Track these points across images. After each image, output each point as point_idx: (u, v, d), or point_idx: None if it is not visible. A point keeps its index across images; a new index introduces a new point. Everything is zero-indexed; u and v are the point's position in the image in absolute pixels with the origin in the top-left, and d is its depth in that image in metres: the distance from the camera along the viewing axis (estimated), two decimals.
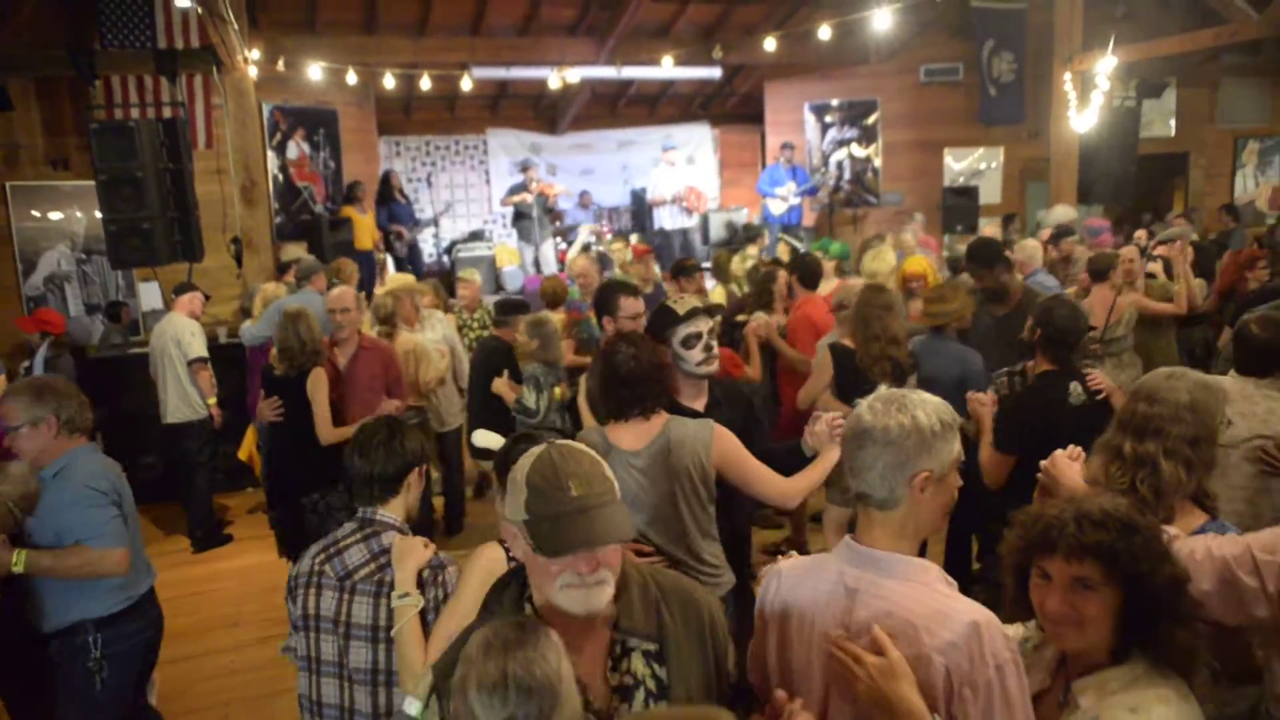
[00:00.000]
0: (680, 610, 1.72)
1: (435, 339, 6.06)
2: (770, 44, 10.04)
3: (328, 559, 2.48)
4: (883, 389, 1.79)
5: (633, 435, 2.84)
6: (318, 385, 4.59)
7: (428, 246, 12.59)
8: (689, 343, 3.12)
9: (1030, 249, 6.49)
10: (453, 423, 6.12)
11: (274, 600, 4.94)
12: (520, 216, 11.62)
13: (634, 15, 10.36)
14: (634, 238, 11.95)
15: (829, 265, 6.57)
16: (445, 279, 11.26)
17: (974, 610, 1.60)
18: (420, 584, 2.36)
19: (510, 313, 5.64)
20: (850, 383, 4.21)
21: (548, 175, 13.25)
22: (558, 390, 5.09)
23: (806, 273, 5.74)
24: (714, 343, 3.16)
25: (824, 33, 9.37)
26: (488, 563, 2.28)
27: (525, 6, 10.74)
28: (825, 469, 2.88)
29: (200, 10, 7.19)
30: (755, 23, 11.69)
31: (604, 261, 8.25)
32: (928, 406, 1.70)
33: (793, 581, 1.83)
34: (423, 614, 2.32)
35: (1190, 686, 1.62)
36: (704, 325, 3.13)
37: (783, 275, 5.90)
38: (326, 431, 4.56)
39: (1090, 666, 1.67)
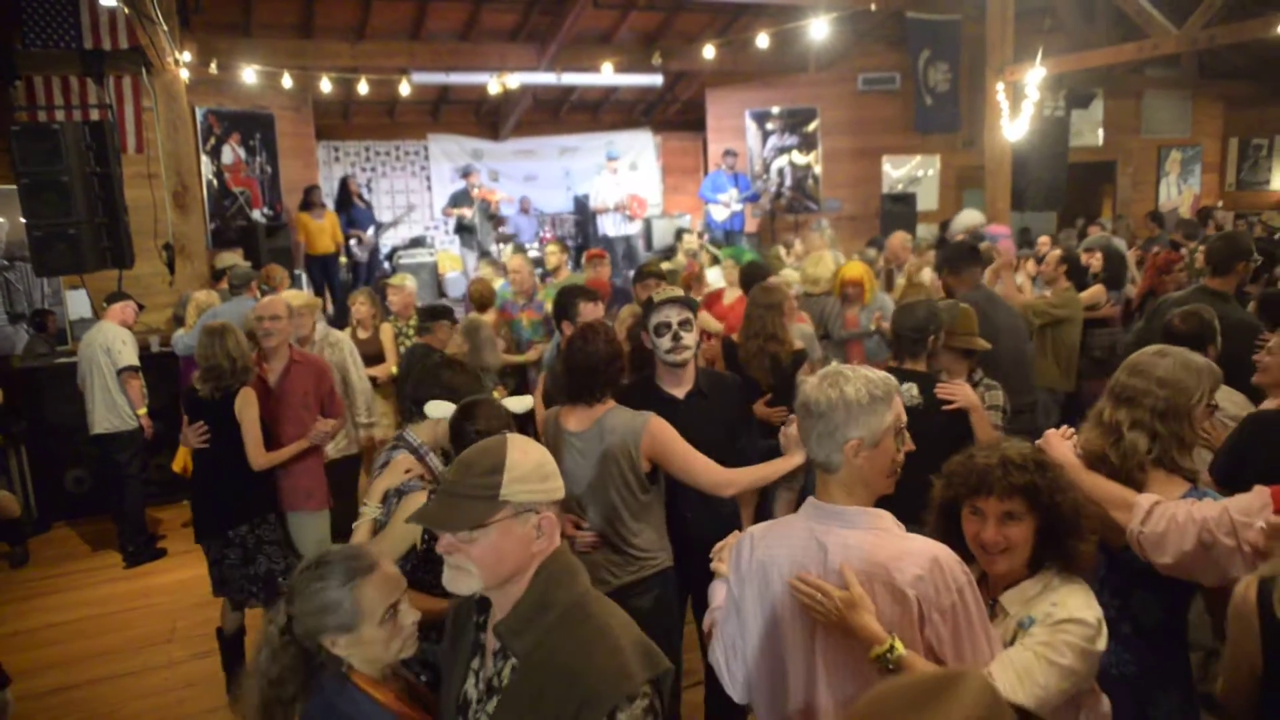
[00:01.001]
0: (554, 674, 1.59)
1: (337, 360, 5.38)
2: (710, 52, 10.13)
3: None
4: (831, 366, 2.01)
5: (577, 418, 3.12)
6: (247, 406, 4.17)
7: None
8: (659, 331, 3.25)
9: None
10: (333, 453, 5.11)
11: (209, 615, 4.80)
12: (462, 226, 11.56)
13: (575, 22, 10.37)
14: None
15: (737, 273, 6.68)
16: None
17: (931, 546, 1.84)
18: (384, 499, 2.70)
19: (433, 319, 5.57)
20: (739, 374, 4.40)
21: (490, 181, 13.17)
22: (495, 393, 5.04)
23: (747, 277, 5.91)
24: (684, 333, 3.21)
25: (762, 41, 9.48)
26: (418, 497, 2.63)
27: (466, 12, 10.68)
28: (777, 470, 2.94)
29: (127, 10, 7.00)
30: (696, 31, 11.79)
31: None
32: (858, 381, 1.90)
33: (766, 541, 2.01)
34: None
35: (1088, 584, 1.98)
36: (674, 315, 3.22)
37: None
38: (258, 456, 4.16)
39: (1011, 582, 2.00)
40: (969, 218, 9.18)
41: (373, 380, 5.96)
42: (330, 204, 11.00)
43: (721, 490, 3.00)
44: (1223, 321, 3.63)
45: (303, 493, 4.40)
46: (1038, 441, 2.49)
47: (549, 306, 5.73)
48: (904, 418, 1.96)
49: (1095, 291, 6.71)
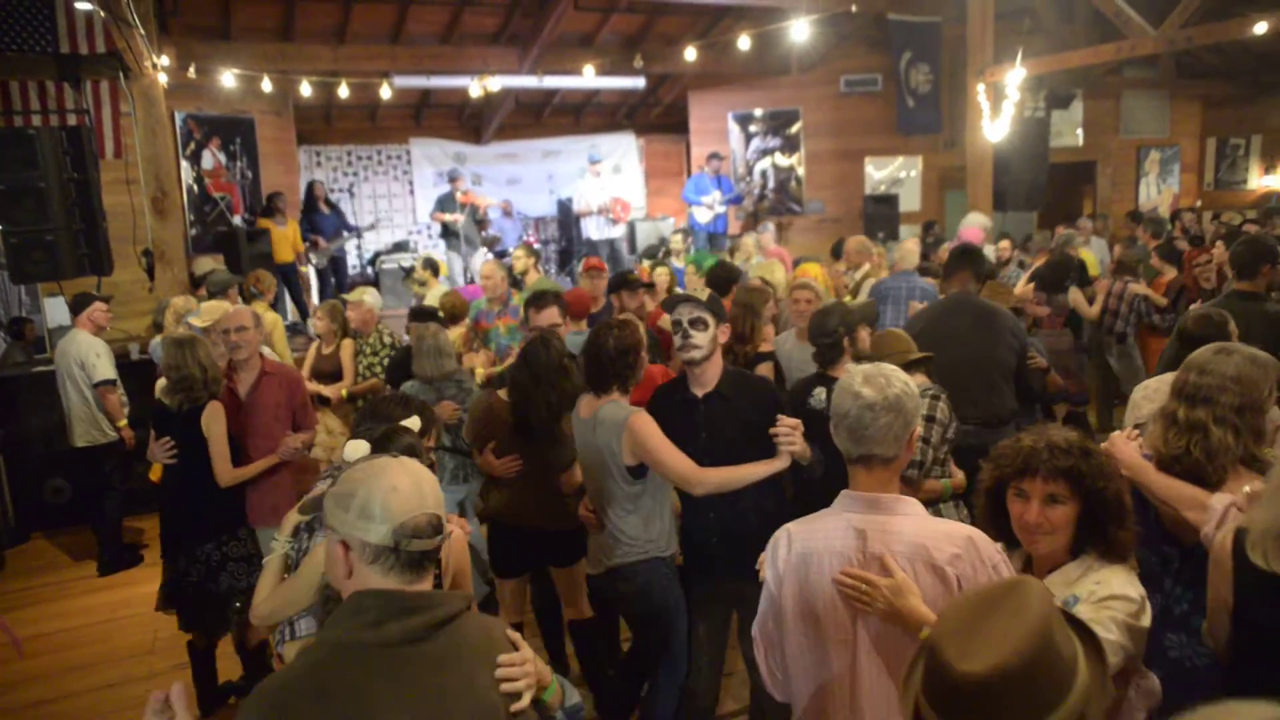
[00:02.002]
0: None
1: None
2: (691, 54, 10.13)
3: None
4: (862, 365, 2.12)
5: (586, 406, 3.40)
6: (214, 420, 4.07)
7: (350, 258, 12.34)
8: (675, 329, 3.30)
9: (905, 250, 6.73)
10: None
11: None
12: (448, 231, 11.51)
13: (556, 24, 10.36)
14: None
15: (699, 279, 6.71)
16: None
17: (964, 527, 2.00)
18: (295, 532, 2.70)
19: (422, 320, 5.52)
20: None
21: (473, 185, 13.11)
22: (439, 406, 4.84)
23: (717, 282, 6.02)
24: (695, 331, 3.23)
25: (744, 43, 9.49)
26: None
27: (447, 15, 10.64)
28: (753, 473, 3.02)
29: (104, 14, 6.93)
30: (677, 33, 11.79)
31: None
32: (902, 374, 2.08)
33: (804, 535, 2.11)
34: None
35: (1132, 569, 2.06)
36: (685, 314, 3.26)
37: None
38: (225, 472, 4.07)
39: (1053, 566, 2.05)
40: (974, 221, 9.23)
41: (325, 400, 5.86)
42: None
43: (690, 487, 3.11)
44: (1256, 320, 3.80)
45: (269, 508, 4.22)
46: (1103, 444, 2.54)
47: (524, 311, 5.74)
48: None
49: (1025, 290, 6.74)
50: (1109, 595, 1.93)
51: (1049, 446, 2.01)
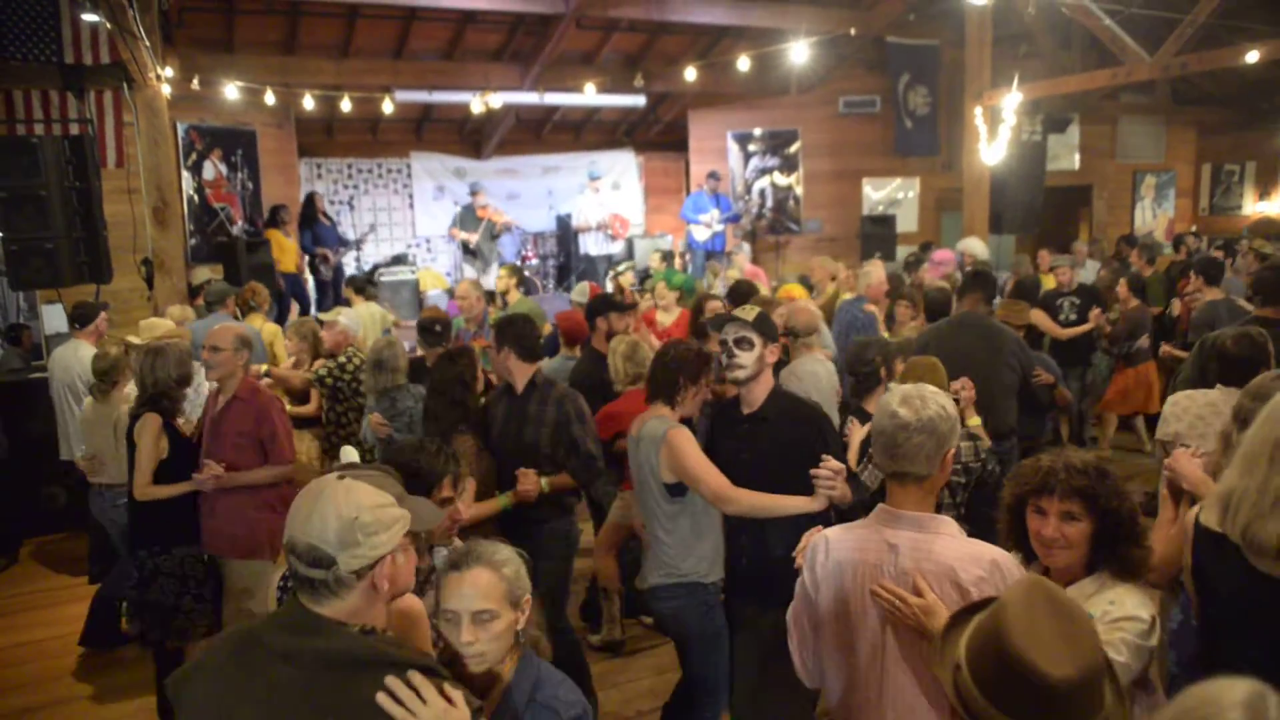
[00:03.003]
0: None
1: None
2: (691, 73, 10.22)
3: None
4: (903, 386, 2.21)
5: (635, 424, 3.44)
6: (144, 431, 3.99)
7: (349, 270, 12.37)
8: (721, 347, 3.27)
9: (863, 274, 6.76)
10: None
11: None
12: (468, 249, 11.59)
13: (558, 42, 10.44)
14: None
15: (671, 295, 6.75)
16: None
17: (991, 550, 2.09)
18: None
19: (427, 334, 5.50)
20: None
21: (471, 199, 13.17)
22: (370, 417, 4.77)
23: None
24: (739, 351, 3.17)
25: (744, 63, 9.58)
26: None
27: (450, 31, 10.73)
28: (786, 506, 3.00)
29: (109, 25, 6.98)
30: (678, 53, 11.89)
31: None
32: (941, 397, 2.16)
33: (840, 544, 2.24)
34: None
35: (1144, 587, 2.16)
36: (730, 333, 3.21)
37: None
38: (140, 485, 3.98)
39: (1069, 580, 2.13)
40: (969, 245, 9.30)
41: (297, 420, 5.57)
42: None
43: (722, 505, 3.15)
44: None
45: (226, 538, 4.09)
46: (1166, 460, 2.75)
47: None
48: None
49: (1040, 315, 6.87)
50: (1123, 616, 2.02)
51: (1066, 467, 2.11)
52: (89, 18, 7.14)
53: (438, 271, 12.11)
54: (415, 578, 1.84)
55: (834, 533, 2.28)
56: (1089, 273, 9.47)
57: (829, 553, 2.24)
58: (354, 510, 1.61)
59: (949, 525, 2.14)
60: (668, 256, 10.61)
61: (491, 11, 10.15)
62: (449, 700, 1.56)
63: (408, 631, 1.95)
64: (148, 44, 7.09)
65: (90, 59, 7.85)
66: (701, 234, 11.60)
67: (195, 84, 8.91)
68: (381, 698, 1.53)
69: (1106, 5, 9.31)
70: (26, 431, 6.75)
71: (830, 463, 2.93)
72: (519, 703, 1.93)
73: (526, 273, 11.86)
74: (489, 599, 1.91)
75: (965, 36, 10.61)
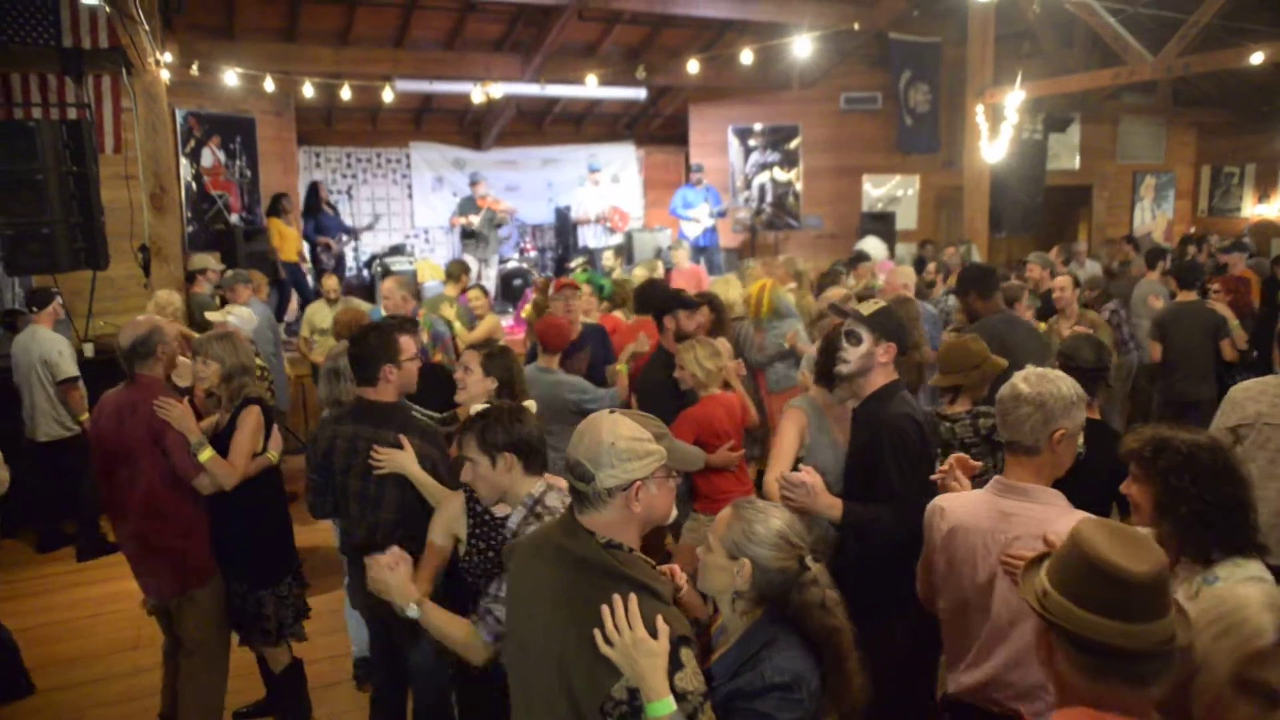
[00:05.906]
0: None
1: None
2: (694, 67, 10.18)
3: None
4: (1034, 367, 2.39)
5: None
6: (245, 421, 3.81)
7: (348, 260, 12.34)
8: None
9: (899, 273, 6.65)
10: None
11: None
12: (468, 234, 11.56)
13: (560, 34, 10.40)
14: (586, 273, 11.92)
15: (593, 299, 6.50)
16: (367, 293, 11.06)
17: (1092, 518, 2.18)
18: None
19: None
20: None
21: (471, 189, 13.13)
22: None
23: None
24: (846, 344, 3.04)
25: (746, 57, 9.54)
26: None
27: (450, 21, 10.68)
28: (819, 506, 2.86)
29: (109, 9, 6.93)
30: (680, 46, 11.86)
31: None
32: (1068, 381, 2.31)
33: (957, 511, 2.43)
34: None
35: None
36: (844, 326, 3.09)
37: None
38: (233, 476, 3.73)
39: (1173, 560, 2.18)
40: (870, 246, 9.31)
41: None
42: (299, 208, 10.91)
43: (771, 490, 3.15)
44: None
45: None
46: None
47: (425, 336, 5.64)
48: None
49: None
50: (1249, 576, 2.04)
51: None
52: (88, 1, 7.08)
53: (436, 263, 12.06)
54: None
55: (947, 500, 2.49)
56: (1088, 273, 9.47)
57: (945, 518, 2.43)
58: (612, 437, 1.89)
59: (1055, 496, 2.30)
60: (621, 251, 10.67)
61: (493, 1, 10.11)
62: (655, 631, 1.78)
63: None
64: (147, 29, 7.03)
65: (89, 43, 7.80)
66: (692, 229, 11.56)
67: (194, 70, 8.86)
68: (604, 609, 1.80)
69: (1110, 4, 9.29)
70: (14, 417, 6.70)
71: (800, 474, 2.83)
72: (740, 657, 2.01)
73: (525, 265, 11.87)
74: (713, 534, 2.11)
75: (968, 34, 10.57)
